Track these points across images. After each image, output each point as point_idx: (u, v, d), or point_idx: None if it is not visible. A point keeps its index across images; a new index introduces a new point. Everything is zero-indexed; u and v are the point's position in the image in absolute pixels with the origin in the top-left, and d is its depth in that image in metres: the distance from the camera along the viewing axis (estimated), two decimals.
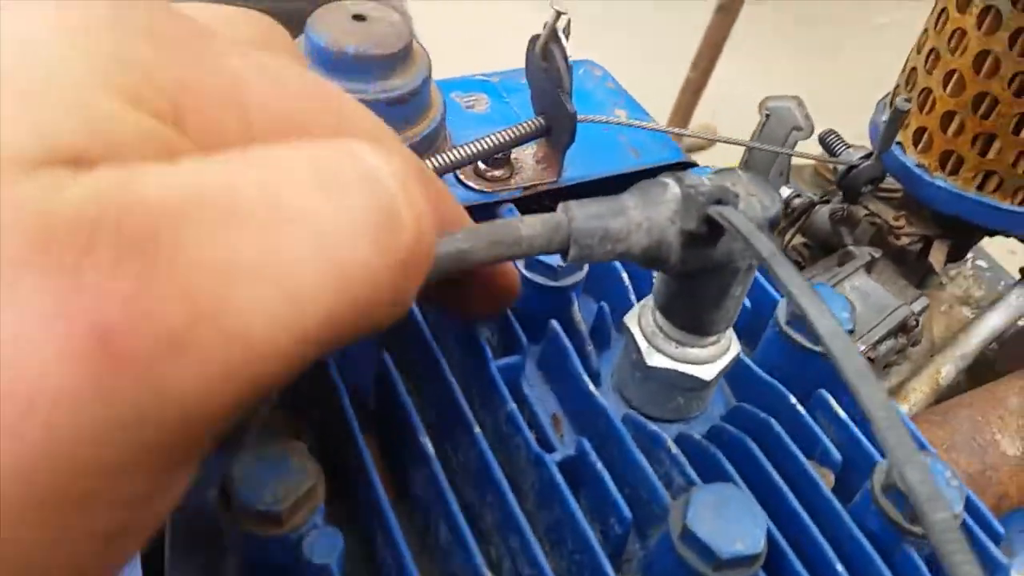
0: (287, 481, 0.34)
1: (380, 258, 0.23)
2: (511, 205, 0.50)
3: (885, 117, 0.70)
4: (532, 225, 0.35)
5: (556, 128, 0.48)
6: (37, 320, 0.18)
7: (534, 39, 0.47)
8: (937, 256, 0.67)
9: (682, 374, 0.42)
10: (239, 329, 0.20)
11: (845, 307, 0.46)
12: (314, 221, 0.22)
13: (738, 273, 0.38)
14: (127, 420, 0.18)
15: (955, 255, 0.68)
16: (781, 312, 0.46)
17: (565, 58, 0.45)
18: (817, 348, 0.45)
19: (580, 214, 0.35)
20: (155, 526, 0.22)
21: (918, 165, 0.64)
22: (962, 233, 0.68)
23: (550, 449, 0.42)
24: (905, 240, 0.67)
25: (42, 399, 0.18)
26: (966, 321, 0.73)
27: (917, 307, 0.65)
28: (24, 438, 0.17)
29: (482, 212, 0.51)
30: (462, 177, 0.50)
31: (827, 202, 0.68)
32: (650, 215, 0.35)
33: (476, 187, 0.50)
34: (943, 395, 0.66)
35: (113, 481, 0.19)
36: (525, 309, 0.46)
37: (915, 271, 0.70)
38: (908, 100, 0.56)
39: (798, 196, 0.72)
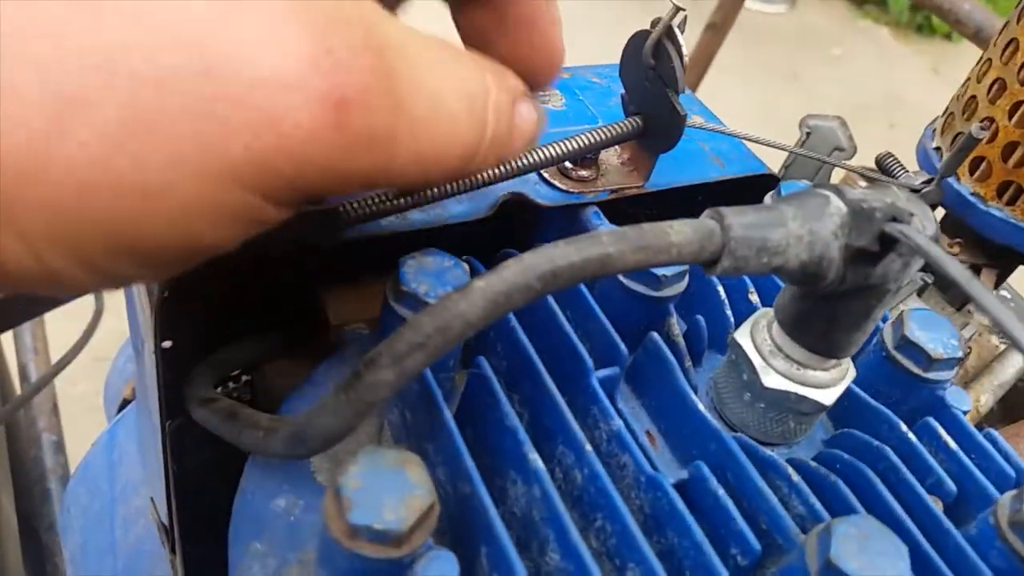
0: (408, 498, 0.31)
1: (455, 166, 0.31)
2: (596, 208, 0.47)
3: (935, 143, 0.69)
4: (682, 232, 0.32)
5: (654, 130, 0.45)
6: (294, 64, 0.24)
7: (639, 34, 0.44)
8: (986, 284, 0.66)
9: (802, 397, 0.39)
10: (419, 134, 0.28)
11: (954, 335, 0.44)
12: (453, 128, 0.30)
13: (887, 294, 0.36)
14: (323, 164, 0.26)
15: (997, 282, 0.68)
16: (888, 336, 0.44)
17: (681, 57, 0.42)
18: (927, 375, 0.43)
19: (736, 222, 0.32)
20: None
21: (973, 193, 0.63)
22: (1009, 262, 0.67)
23: (655, 470, 0.39)
24: None
25: (283, 124, 0.24)
26: (995, 349, 0.73)
27: (967, 334, 0.64)
28: (263, 137, 0.24)
29: (564, 213, 0.47)
30: (547, 175, 0.47)
31: None
32: (813, 228, 0.33)
33: (562, 187, 0.47)
34: (977, 424, 0.66)
35: (292, 193, 0.27)
36: (620, 318, 0.43)
37: (956, 297, 0.69)
38: (984, 129, 0.55)
39: None
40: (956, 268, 0.29)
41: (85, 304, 1.25)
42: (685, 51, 0.43)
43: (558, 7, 0.39)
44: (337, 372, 0.44)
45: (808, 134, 0.74)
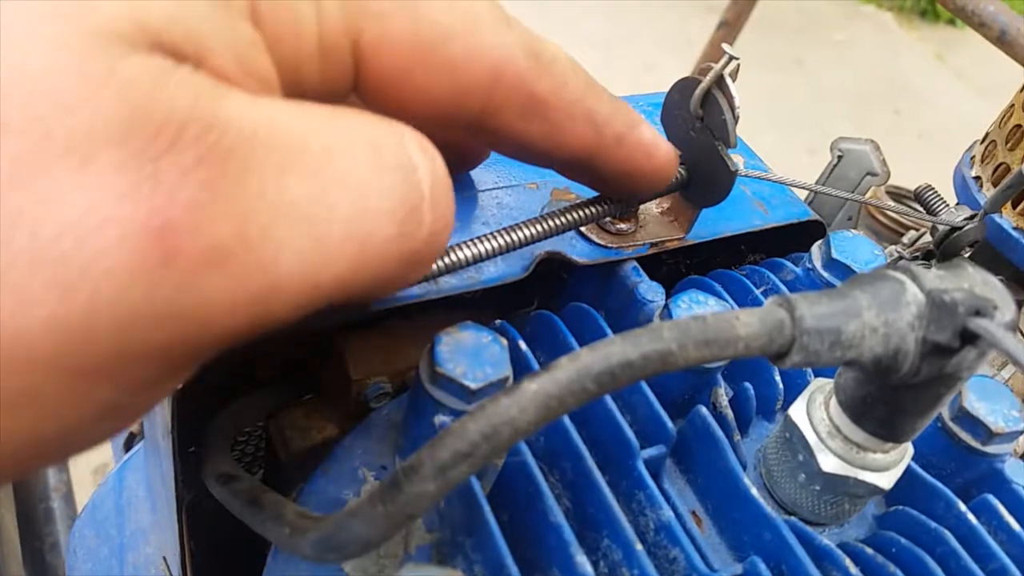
0: None
1: (398, 242, 0.26)
2: (635, 263, 0.45)
3: (973, 172, 0.67)
4: (749, 324, 0.30)
5: (699, 183, 0.43)
6: (110, 198, 0.19)
7: (684, 83, 0.41)
8: None
9: (860, 482, 0.37)
10: (270, 261, 0.22)
11: (1015, 405, 0.41)
12: (358, 190, 0.24)
13: (958, 383, 0.33)
14: (159, 312, 0.20)
15: None
16: (944, 409, 0.42)
17: (733, 108, 0.39)
18: (986, 448, 0.41)
19: (808, 313, 0.30)
20: (134, 418, 0.24)
21: (1016, 228, 0.60)
22: None
23: (707, 564, 0.37)
24: None
25: (96, 270, 0.19)
26: None
27: (1006, 374, 0.62)
28: (70, 300, 0.19)
29: (604, 269, 0.45)
30: (584, 230, 0.45)
31: (916, 259, 0.65)
32: (888, 319, 0.30)
33: (600, 242, 0.44)
34: None
35: (127, 363, 0.21)
36: (666, 389, 0.41)
37: None
38: None
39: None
40: None
41: None
42: (738, 103, 0.40)
43: (654, 138, 0.37)
44: (361, 447, 0.41)
45: (840, 157, 0.72)
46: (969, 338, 0.30)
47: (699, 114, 0.41)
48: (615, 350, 0.29)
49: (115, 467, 0.68)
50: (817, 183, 0.74)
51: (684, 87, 0.41)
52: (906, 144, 3.57)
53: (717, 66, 0.39)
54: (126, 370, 0.21)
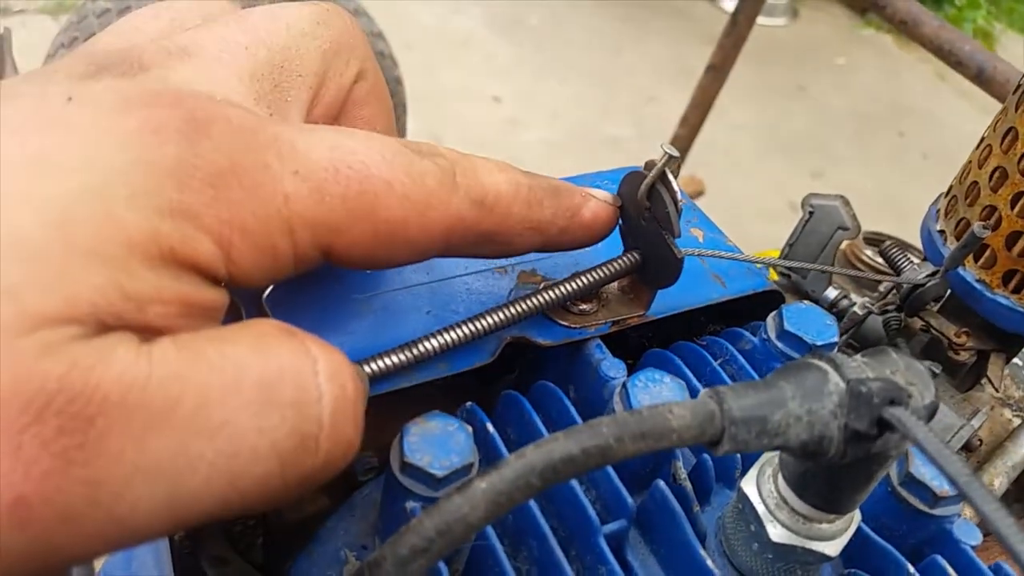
0: None
1: (280, 472, 0.27)
2: (599, 341, 0.48)
3: (939, 226, 0.69)
4: (682, 416, 0.33)
5: (652, 266, 0.46)
6: None
7: (632, 176, 0.44)
8: (995, 370, 0.66)
9: (807, 550, 0.39)
10: (123, 516, 0.24)
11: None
12: (231, 436, 0.26)
13: (889, 460, 0.36)
14: (15, 558, 0.23)
15: (1006, 362, 0.68)
16: (892, 472, 0.44)
17: (675, 202, 0.42)
18: (933, 511, 0.43)
19: (736, 405, 0.33)
20: None
21: (978, 280, 0.63)
22: (1017, 346, 0.67)
23: None
24: (965, 355, 0.66)
25: None
26: (1008, 423, 0.73)
27: (976, 423, 0.64)
28: None
29: (569, 348, 0.48)
30: (548, 312, 0.47)
31: (884, 312, 0.67)
32: (811, 407, 0.33)
33: (563, 323, 0.47)
34: None
35: None
36: (627, 463, 0.44)
37: (965, 382, 0.69)
38: (986, 228, 0.55)
39: (845, 298, 0.71)
40: (955, 467, 0.29)
41: None
42: (680, 196, 0.43)
43: (586, 202, 0.42)
44: (344, 527, 0.44)
45: (811, 213, 0.74)
46: (885, 426, 0.32)
47: (646, 205, 0.44)
48: (558, 447, 0.32)
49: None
50: (790, 239, 0.76)
51: (632, 180, 0.44)
52: (911, 164, 3.59)
53: (658, 164, 0.42)
54: None
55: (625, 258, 0.46)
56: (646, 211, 0.44)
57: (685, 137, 1.72)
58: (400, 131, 1.60)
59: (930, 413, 0.35)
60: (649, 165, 0.43)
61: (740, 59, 1.72)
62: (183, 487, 0.25)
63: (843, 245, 0.86)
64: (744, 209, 2.92)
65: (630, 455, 0.32)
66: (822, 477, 0.37)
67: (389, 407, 0.54)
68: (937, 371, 0.65)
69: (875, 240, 0.87)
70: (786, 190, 3.27)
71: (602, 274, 0.45)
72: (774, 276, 0.79)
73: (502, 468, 0.31)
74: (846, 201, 0.74)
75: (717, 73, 1.60)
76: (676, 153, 0.42)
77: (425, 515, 0.31)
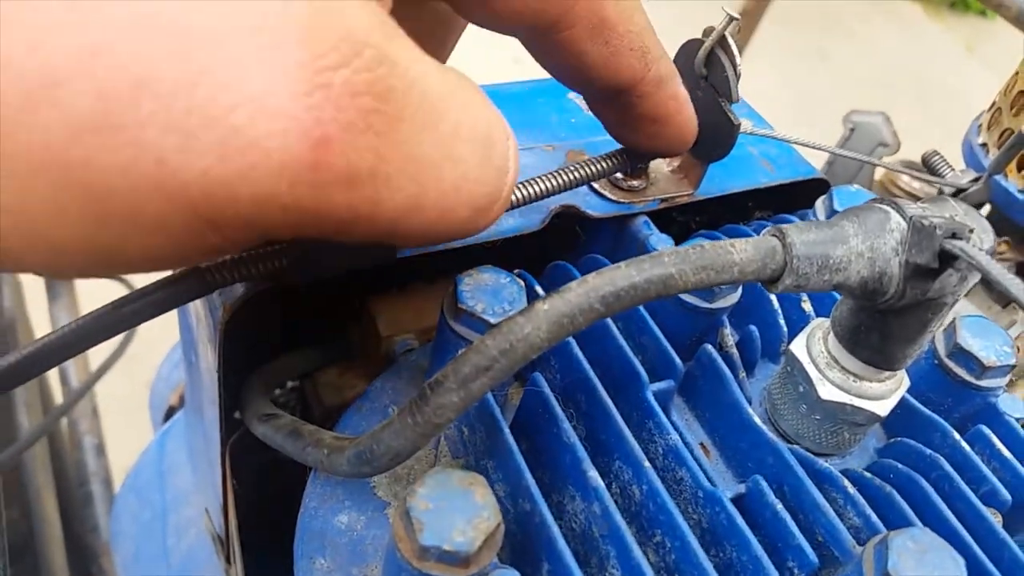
0: (475, 520, 0.31)
1: (460, 224, 0.29)
2: (646, 217, 0.48)
3: (980, 139, 0.69)
4: (744, 250, 0.33)
5: (706, 139, 0.45)
6: (286, 90, 0.22)
7: (691, 43, 0.44)
8: None
9: (857, 408, 0.39)
10: (382, 198, 0.25)
11: (1007, 341, 0.44)
12: (464, 172, 0.27)
13: (944, 308, 0.36)
14: (286, 201, 0.23)
15: None
16: (940, 345, 0.44)
17: (735, 65, 0.42)
18: (980, 382, 0.43)
19: (798, 240, 0.33)
20: (217, 256, 0.31)
21: (1021, 191, 0.62)
22: None
23: (711, 484, 0.40)
24: (1005, 266, 0.66)
25: (256, 151, 0.22)
26: None
27: (1014, 333, 0.64)
28: (228, 165, 0.22)
29: (615, 223, 0.48)
30: (596, 186, 0.47)
31: None
32: (873, 243, 0.33)
33: (612, 197, 0.47)
34: None
35: (242, 226, 0.24)
36: (674, 329, 0.44)
37: (1003, 296, 0.69)
38: None
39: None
40: (1015, 286, 0.29)
41: None
42: (739, 60, 0.43)
43: (686, 97, 0.40)
44: (392, 387, 0.44)
45: (852, 130, 0.74)
46: (947, 259, 0.32)
47: (703, 73, 0.43)
48: (620, 274, 0.32)
49: (156, 436, 0.72)
50: (830, 157, 0.76)
51: (688, 49, 0.44)
52: (932, 135, 3.55)
53: (719, 27, 0.42)
54: (238, 231, 0.24)
55: None
56: (702, 80, 0.44)
57: None
58: None
59: (989, 255, 0.35)
60: (707, 31, 0.43)
61: (761, 24, 1.70)
62: (423, 198, 0.26)
63: (879, 175, 0.86)
64: None
65: (691, 286, 0.32)
66: (876, 327, 0.37)
67: (427, 294, 0.55)
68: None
69: (912, 165, 0.86)
70: (806, 158, 3.24)
71: None
72: None
73: (565, 292, 0.31)
74: (887, 118, 0.73)
75: (749, 18, 1.59)
76: (737, 16, 0.41)
77: (488, 335, 0.31)
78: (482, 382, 0.31)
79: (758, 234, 0.50)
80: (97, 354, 1.22)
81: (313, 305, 0.54)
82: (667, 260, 0.32)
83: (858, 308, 0.37)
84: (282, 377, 0.54)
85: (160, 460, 0.71)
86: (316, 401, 0.58)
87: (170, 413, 0.86)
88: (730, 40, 0.42)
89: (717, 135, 0.44)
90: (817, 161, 0.80)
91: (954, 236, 0.32)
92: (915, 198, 0.85)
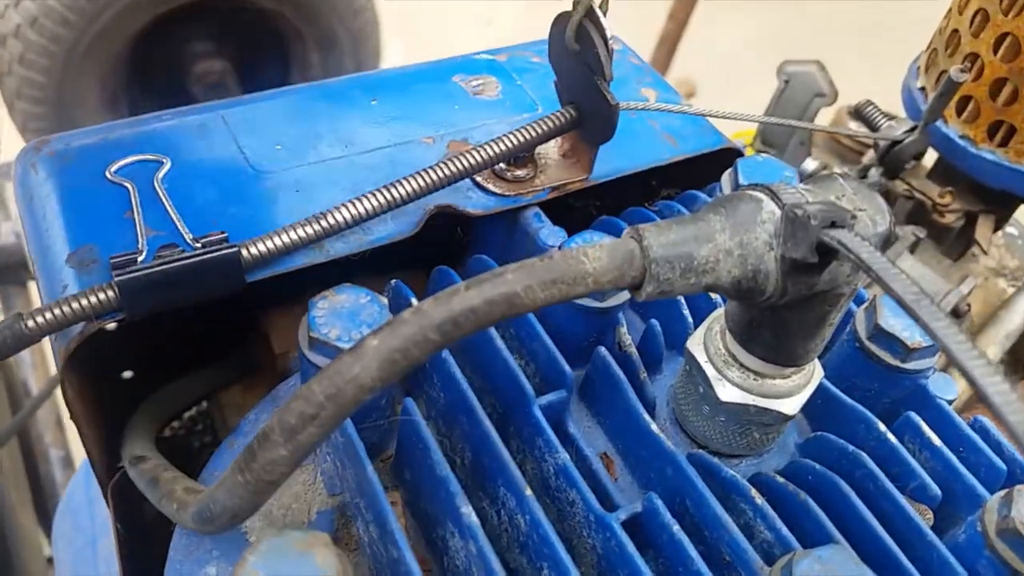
0: None
1: None
2: (537, 209, 0.44)
3: (919, 83, 0.64)
4: (598, 258, 0.29)
5: (590, 120, 0.42)
6: None
7: (562, 16, 0.40)
8: (984, 232, 0.61)
9: (762, 409, 0.36)
10: None
11: None
12: None
13: (841, 298, 0.32)
14: None
15: (995, 227, 0.63)
16: (860, 326, 0.40)
17: (605, 41, 0.38)
18: (906, 365, 0.39)
19: (657, 242, 0.29)
20: None
21: (962, 136, 0.58)
22: (1005, 206, 0.63)
23: (607, 501, 0.36)
24: (951, 218, 0.62)
25: None
26: (1003, 294, 0.69)
27: (965, 289, 0.60)
28: None
29: (503, 218, 0.44)
30: (479, 180, 0.44)
31: (863, 177, 0.63)
32: (743, 239, 0.29)
33: (497, 190, 0.43)
34: None
35: None
36: (567, 332, 0.40)
37: (954, 248, 0.65)
38: (964, 71, 0.50)
39: (824, 168, 0.66)
40: (900, 284, 0.26)
41: None
42: (610, 35, 0.38)
43: None
44: (267, 417, 0.41)
45: (787, 82, 0.70)
46: (826, 252, 0.29)
47: (575, 48, 0.39)
48: (457, 299, 0.28)
49: (84, 459, 0.69)
50: (768, 109, 0.72)
51: (561, 22, 0.40)
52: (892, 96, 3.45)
53: None
54: None
55: (559, 113, 0.42)
56: (576, 56, 0.40)
57: (673, 33, 1.65)
58: (375, 49, 1.51)
59: (882, 241, 0.31)
60: (576, 1, 0.39)
61: None
62: None
63: (828, 121, 0.81)
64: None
65: (540, 304, 0.29)
66: (768, 323, 0.33)
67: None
68: (921, 235, 0.61)
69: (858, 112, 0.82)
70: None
71: (535, 132, 0.41)
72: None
73: (396, 324, 0.28)
74: (822, 66, 0.69)
75: None
76: None
77: (314, 380, 0.28)
78: (310, 432, 0.28)
79: (661, 215, 0.46)
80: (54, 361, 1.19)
81: (205, 329, 0.50)
82: (511, 278, 0.28)
83: (747, 304, 0.34)
84: (175, 406, 0.50)
85: (88, 485, 0.68)
86: (221, 423, 0.55)
87: None
88: (597, 12, 0.38)
89: (599, 116, 0.40)
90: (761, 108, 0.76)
91: (833, 225, 0.28)
92: (863, 145, 0.81)
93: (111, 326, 0.36)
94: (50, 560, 1.17)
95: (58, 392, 1.19)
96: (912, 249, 0.61)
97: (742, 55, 3.41)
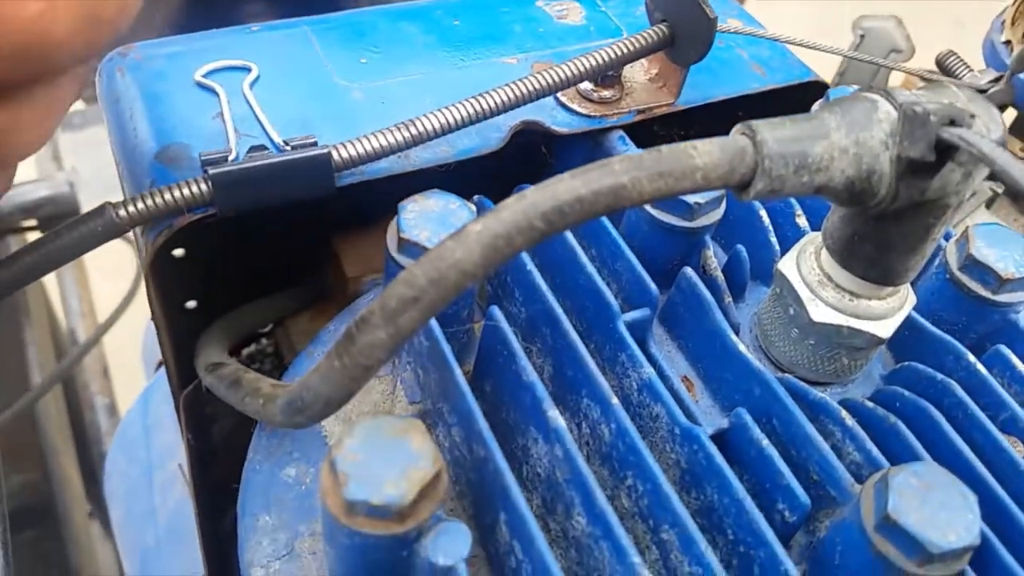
0: (409, 469, 0.28)
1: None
2: (621, 132, 0.43)
3: (1004, 36, 0.63)
4: (708, 152, 0.28)
5: (682, 39, 0.41)
6: None
7: None
8: None
9: (855, 330, 0.35)
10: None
11: None
12: None
13: (947, 209, 0.31)
14: None
15: None
16: (951, 257, 0.39)
17: None
18: (997, 297, 0.38)
19: (771, 137, 0.28)
20: None
21: None
22: None
23: (690, 419, 0.36)
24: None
25: None
26: None
27: None
28: None
29: (587, 140, 0.43)
30: (564, 99, 0.43)
31: None
32: (859, 137, 0.28)
33: (582, 111, 0.43)
34: None
35: None
36: (651, 253, 0.40)
37: None
38: None
39: None
40: None
41: (128, 264, 1.25)
42: None
43: None
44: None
45: (862, 36, 0.68)
46: (945, 150, 0.28)
47: None
48: (563, 187, 0.28)
49: (141, 391, 0.69)
50: (840, 67, 0.70)
51: None
52: (970, 58, 3.40)
53: None
54: None
55: (651, 32, 0.41)
56: None
57: None
58: None
59: (997, 143, 0.30)
60: None
61: None
62: None
63: (899, 80, 0.80)
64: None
65: (647, 197, 0.28)
66: (871, 236, 0.32)
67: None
68: (999, 191, 0.60)
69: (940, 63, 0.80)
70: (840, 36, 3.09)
71: (624, 49, 0.41)
72: None
73: (499, 210, 0.27)
74: (899, 21, 0.67)
75: None
76: None
77: (416, 264, 0.27)
78: (411, 316, 0.28)
79: None
80: (104, 309, 1.20)
81: (283, 247, 0.50)
82: (617, 168, 0.28)
83: (850, 215, 0.33)
84: (247, 327, 0.51)
85: (145, 416, 0.69)
86: (289, 350, 0.55)
87: (160, 366, 0.84)
88: None
89: (693, 33, 0.40)
90: (829, 70, 0.74)
91: (952, 124, 0.28)
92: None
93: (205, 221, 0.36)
94: (90, 514, 1.19)
95: (104, 340, 1.21)
96: (988, 205, 0.60)
97: (793, 26, 3.37)
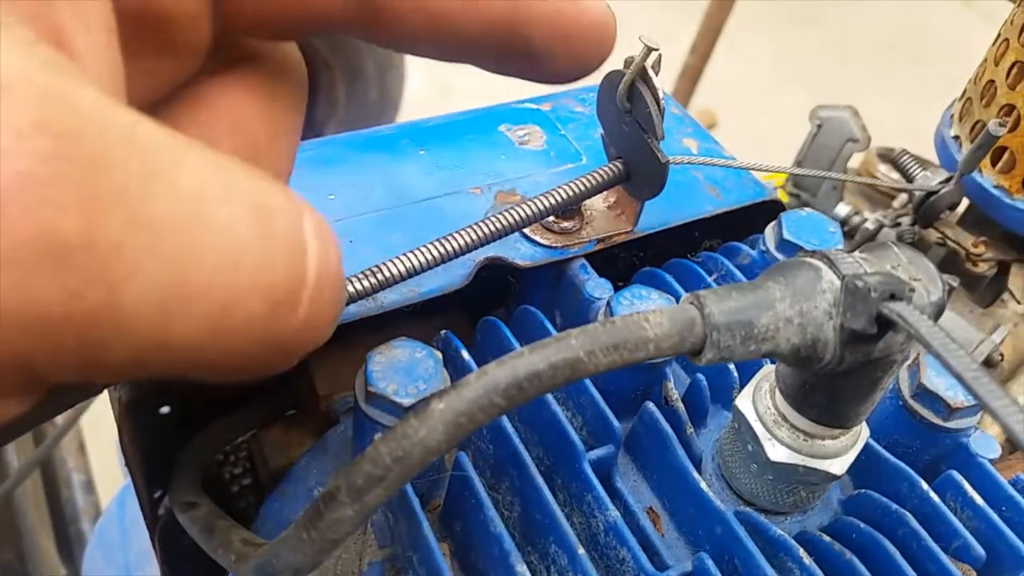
0: None
1: (264, 324, 0.20)
2: (583, 260, 0.44)
3: (953, 131, 0.65)
4: (659, 324, 0.29)
5: (637, 175, 0.42)
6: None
7: (612, 75, 0.41)
8: (1017, 283, 0.62)
9: (811, 469, 0.36)
10: (117, 278, 0.17)
11: None
12: (234, 243, 0.19)
13: (894, 364, 0.32)
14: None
15: None
16: (903, 385, 0.41)
17: (657, 100, 0.39)
18: (948, 424, 0.40)
19: (718, 309, 0.29)
20: None
21: (996, 186, 0.59)
22: None
23: (655, 558, 0.37)
24: (984, 267, 0.62)
25: None
26: None
27: (998, 338, 0.60)
28: None
29: (551, 268, 0.44)
30: (528, 232, 0.44)
31: (896, 225, 0.63)
32: (803, 308, 0.30)
33: (544, 242, 0.44)
34: None
35: None
36: (613, 388, 0.41)
37: (985, 296, 0.65)
38: (1002, 124, 0.50)
39: (857, 214, 0.67)
40: (958, 360, 0.26)
41: None
42: (662, 94, 0.39)
43: None
44: (316, 466, 0.42)
45: (819, 126, 0.70)
46: (885, 324, 0.29)
47: (626, 107, 0.40)
48: (522, 363, 0.29)
49: (117, 492, 0.69)
50: (799, 155, 0.72)
51: (611, 80, 0.41)
52: (934, 93, 3.47)
53: (637, 58, 0.38)
54: None
55: (607, 168, 0.43)
56: (627, 115, 0.41)
57: (695, 66, 1.66)
58: (399, 81, 1.50)
59: (937, 310, 0.31)
60: (628, 62, 0.39)
61: None
62: (184, 278, 0.18)
63: (856, 163, 0.82)
64: (759, 143, 2.85)
65: (603, 369, 0.29)
66: (822, 387, 0.34)
67: (371, 345, 0.52)
68: (955, 284, 0.62)
69: (888, 155, 0.83)
70: (803, 124, 3.17)
71: (583, 186, 0.42)
72: (783, 198, 0.75)
73: (461, 387, 0.28)
74: (855, 111, 0.70)
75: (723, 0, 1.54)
76: (656, 46, 0.38)
77: (380, 441, 0.28)
78: (377, 493, 0.28)
79: (704, 267, 0.46)
80: None
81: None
82: (574, 343, 0.29)
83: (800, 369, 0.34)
84: (218, 446, 0.51)
85: (122, 519, 0.69)
86: (262, 462, 0.55)
87: None
88: (650, 73, 0.38)
89: (648, 173, 0.41)
90: (791, 152, 0.76)
91: (892, 297, 0.29)
92: (894, 190, 0.81)
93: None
94: None
95: (81, 420, 1.21)
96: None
97: (755, 77, 3.42)
